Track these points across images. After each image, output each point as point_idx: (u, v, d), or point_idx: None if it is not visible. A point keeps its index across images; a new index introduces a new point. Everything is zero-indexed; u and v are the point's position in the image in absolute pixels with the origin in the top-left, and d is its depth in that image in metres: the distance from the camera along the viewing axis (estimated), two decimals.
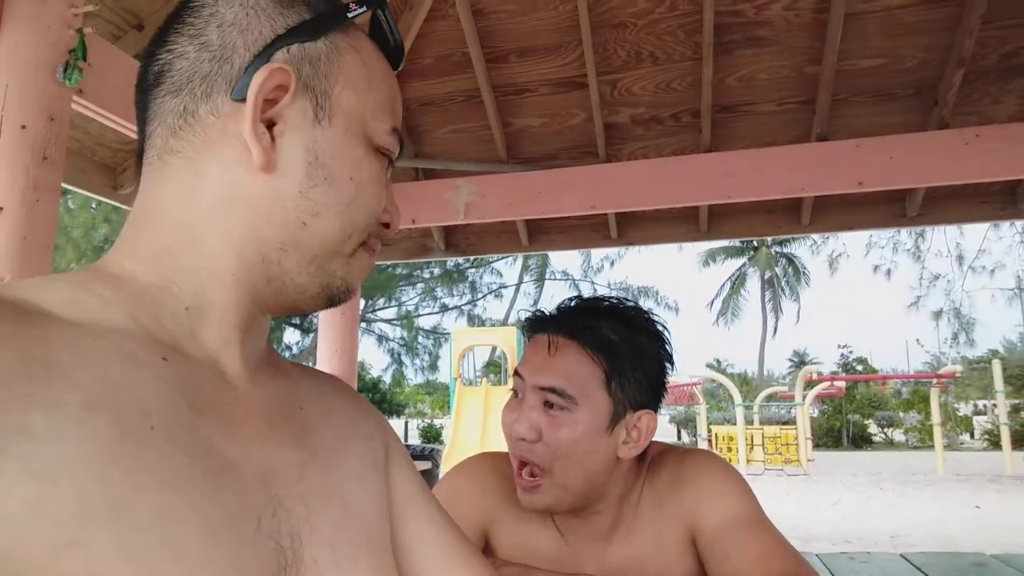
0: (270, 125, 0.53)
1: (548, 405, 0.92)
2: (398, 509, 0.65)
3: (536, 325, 1.01)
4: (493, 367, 18.71)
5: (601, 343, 0.94)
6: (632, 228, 4.13)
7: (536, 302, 22.97)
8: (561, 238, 4.30)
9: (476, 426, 11.61)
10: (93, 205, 12.49)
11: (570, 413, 0.91)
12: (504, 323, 20.34)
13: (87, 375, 0.43)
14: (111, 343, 0.46)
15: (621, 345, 0.94)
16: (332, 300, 0.58)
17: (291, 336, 15.72)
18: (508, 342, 12.73)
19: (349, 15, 0.57)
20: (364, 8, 0.59)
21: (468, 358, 13.74)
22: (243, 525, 0.46)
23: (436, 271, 16.24)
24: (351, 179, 0.55)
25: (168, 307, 0.51)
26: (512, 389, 0.97)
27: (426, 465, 4.14)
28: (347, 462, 0.60)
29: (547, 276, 23.04)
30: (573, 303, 1.02)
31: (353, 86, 0.56)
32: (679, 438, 20.60)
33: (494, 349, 18.04)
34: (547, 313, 1.01)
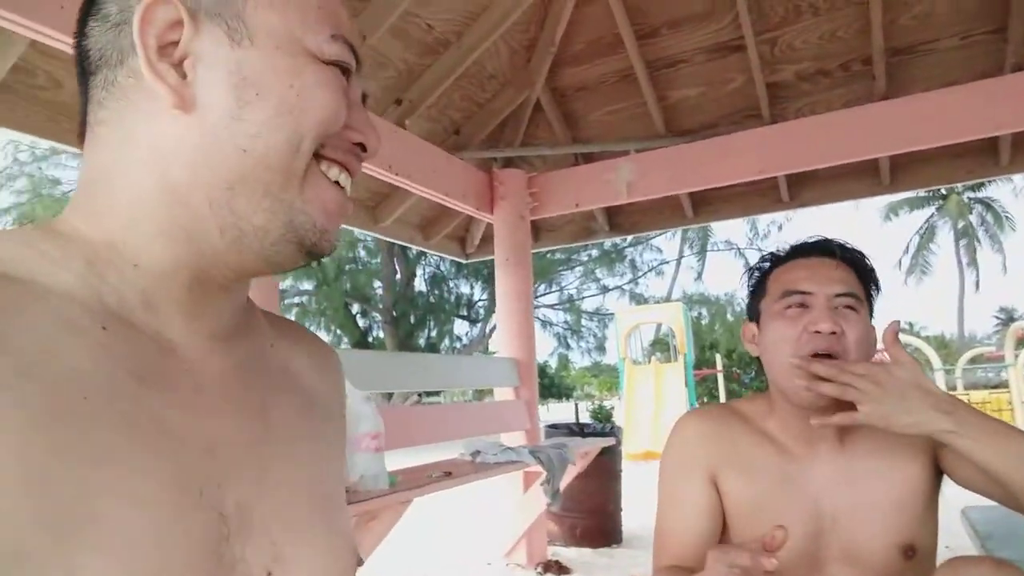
0: (182, 63, 0.50)
1: (840, 308, 1.10)
2: None
3: (819, 250, 1.18)
4: (660, 345, 18.49)
5: (863, 264, 1.17)
6: (805, 188, 3.96)
7: (699, 275, 22.34)
8: (727, 207, 4.21)
9: (648, 404, 11.54)
10: None
11: (857, 312, 1.11)
12: (667, 299, 20.00)
13: (21, 339, 0.41)
14: (50, 307, 0.44)
15: (870, 268, 1.18)
16: (304, 245, 0.53)
17: (460, 327, 16.47)
18: (674, 318, 12.52)
19: None
20: None
21: (634, 337, 13.68)
22: (182, 497, 0.45)
23: (594, 253, 16.28)
24: (291, 86, 0.51)
25: (115, 265, 0.50)
26: (789, 306, 1.12)
27: (610, 441, 4.23)
28: (313, 426, 0.59)
29: (709, 247, 22.31)
30: (821, 237, 1.23)
31: (268, 3, 0.51)
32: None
33: (659, 326, 17.80)
34: (828, 239, 1.21)
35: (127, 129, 0.51)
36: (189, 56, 0.50)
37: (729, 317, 19.62)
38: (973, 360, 17.57)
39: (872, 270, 1.18)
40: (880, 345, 1.11)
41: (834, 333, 1.07)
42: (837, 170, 3.76)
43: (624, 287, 18.21)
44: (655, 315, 13.80)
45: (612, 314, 15.64)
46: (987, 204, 28.45)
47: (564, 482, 3.33)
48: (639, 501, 6.08)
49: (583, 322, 17.80)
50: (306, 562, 0.52)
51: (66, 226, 0.51)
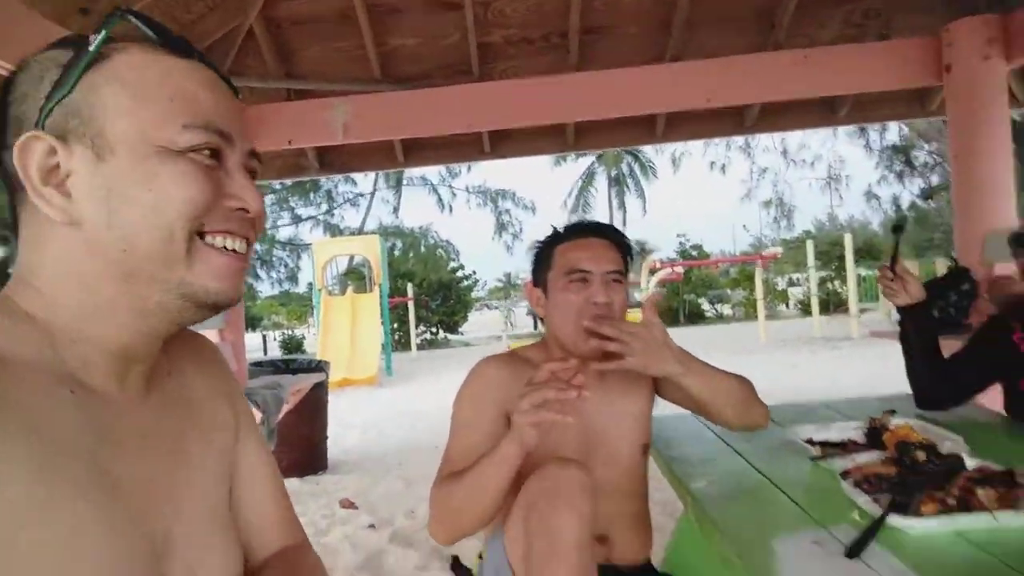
0: (65, 182, 0.58)
1: (611, 282, 1.39)
2: (244, 473, 0.77)
3: (592, 231, 1.46)
4: (354, 275, 18.59)
5: (626, 243, 1.47)
6: (504, 143, 4.34)
7: (396, 209, 22.71)
8: (436, 154, 4.43)
9: (345, 333, 11.68)
10: None
11: (621, 284, 1.41)
12: (361, 230, 20.06)
13: (20, 404, 0.52)
14: (32, 376, 0.55)
15: (629, 245, 1.48)
16: (203, 306, 0.63)
17: None
18: (371, 250, 12.68)
19: (91, 48, 0.59)
20: (102, 33, 0.60)
21: (329, 268, 13.56)
22: (128, 532, 0.57)
23: (288, 181, 15.58)
24: (150, 190, 0.58)
25: (61, 340, 0.59)
26: (573, 281, 1.39)
27: (320, 377, 4.28)
28: (210, 456, 0.70)
29: (404, 182, 22.74)
30: (595, 221, 1.51)
31: (119, 112, 0.59)
32: (536, 327, 21.68)
33: (352, 258, 17.85)
34: (602, 224, 1.49)
35: (41, 238, 0.60)
36: (71, 175, 0.58)
37: (422, 249, 20.43)
38: None
39: (631, 247, 1.50)
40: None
41: (607, 304, 1.37)
42: (532, 129, 4.20)
43: (319, 217, 17.81)
44: (353, 247, 13.82)
45: (307, 244, 15.27)
46: (635, 155, 33.23)
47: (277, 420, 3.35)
48: (339, 428, 6.28)
49: (275, 252, 17.08)
50: (213, 567, 0.66)
51: (14, 306, 0.60)
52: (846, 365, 8.74)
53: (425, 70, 3.81)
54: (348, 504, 3.83)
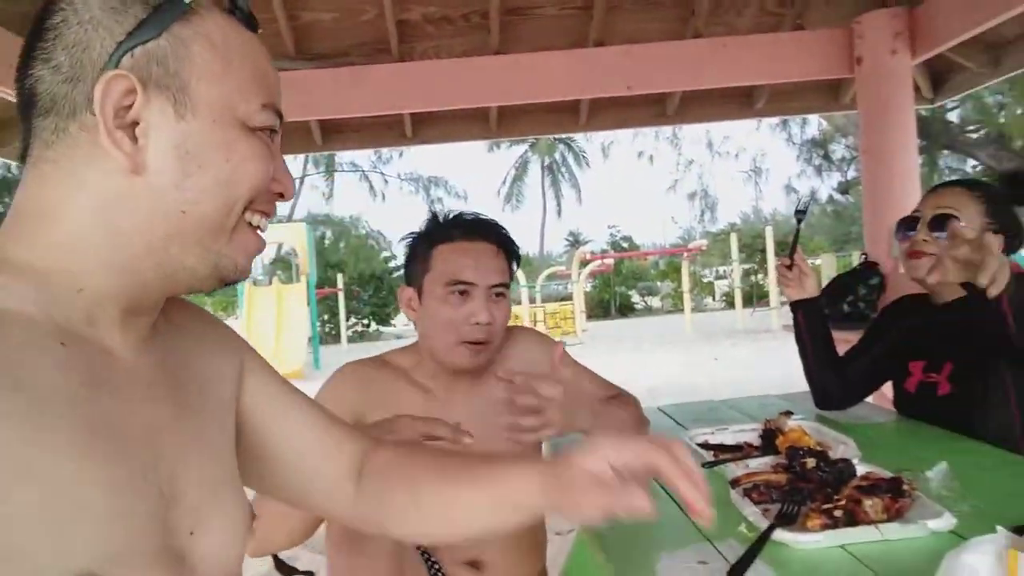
0: (135, 128, 0.56)
1: (497, 295, 1.27)
2: (269, 408, 0.77)
3: (478, 232, 1.29)
4: (281, 263, 18.05)
5: (515, 249, 1.34)
6: (426, 127, 4.23)
7: (328, 196, 22.19)
8: (356, 136, 4.29)
9: (270, 325, 11.34)
10: None
11: (505, 298, 1.29)
12: (290, 219, 19.51)
13: (3, 360, 0.49)
14: (17, 331, 0.52)
15: (518, 251, 1.35)
16: (225, 280, 0.63)
17: None
18: (298, 239, 12.35)
19: (185, 1, 0.58)
20: None
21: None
22: (134, 478, 0.55)
23: None
24: (227, 160, 0.59)
25: (63, 289, 0.56)
26: (453, 293, 1.25)
27: None
28: (209, 408, 0.69)
29: (335, 168, 22.22)
30: (481, 217, 1.34)
31: (209, 75, 0.58)
32: None
33: (280, 246, 17.34)
34: (489, 223, 1.32)
35: (77, 176, 0.57)
36: (140, 123, 0.56)
37: (353, 238, 20.03)
38: (549, 277, 20.98)
39: (518, 252, 1.36)
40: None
41: (488, 324, 1.25)
42: (455, 113, 4.10)
43: None
44: (278, 235, 13.42)
45: None
46: (568, 145, 33.51)
47: None
48: None
49: None
50: (218, 522, 0.65)
51: (10, 254, 0.56)
52: (765, 358, 8.99)
53: (342, 48, 3.66)
54: None
